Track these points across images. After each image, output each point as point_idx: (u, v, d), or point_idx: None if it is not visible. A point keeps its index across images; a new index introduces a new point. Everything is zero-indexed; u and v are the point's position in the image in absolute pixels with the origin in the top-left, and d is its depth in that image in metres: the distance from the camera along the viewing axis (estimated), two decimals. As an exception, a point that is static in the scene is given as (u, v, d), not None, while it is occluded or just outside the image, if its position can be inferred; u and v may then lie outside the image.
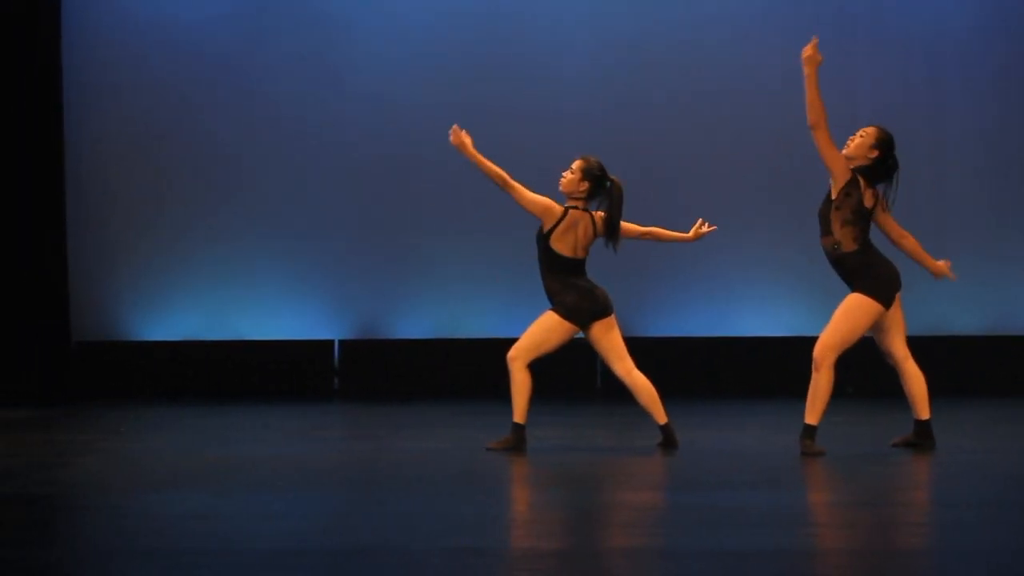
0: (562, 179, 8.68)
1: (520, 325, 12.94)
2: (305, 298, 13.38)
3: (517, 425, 8.57)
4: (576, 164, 8.68)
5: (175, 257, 13.34)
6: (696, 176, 13.17)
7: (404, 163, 13.24)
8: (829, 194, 8.22)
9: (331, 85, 13.35)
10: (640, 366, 8.66)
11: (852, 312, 8.16)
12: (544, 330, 8.61)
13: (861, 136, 8.25)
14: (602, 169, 8.66)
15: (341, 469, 8.14)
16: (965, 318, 13.11)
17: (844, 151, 8.20)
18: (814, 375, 8.16)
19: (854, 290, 8.21)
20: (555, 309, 8.61)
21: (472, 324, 13.27)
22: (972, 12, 13.33)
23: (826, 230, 8.23)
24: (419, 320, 13.32)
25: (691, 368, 12.99)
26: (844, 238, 8.14)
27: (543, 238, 8.61)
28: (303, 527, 6.12)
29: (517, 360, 8.58)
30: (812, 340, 8.27)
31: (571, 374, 12.93)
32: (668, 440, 8.62)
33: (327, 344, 13.37)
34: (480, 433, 9.20)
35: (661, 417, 8.62)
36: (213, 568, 5.13)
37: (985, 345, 13.11)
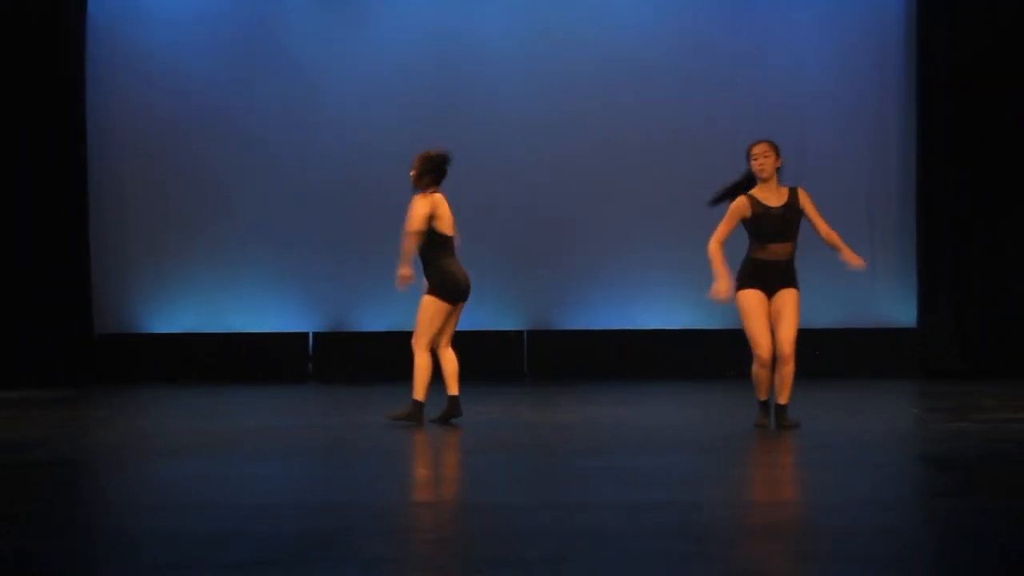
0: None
1: (468, 318, 13.16)
2: (284, 297, 13.41)
3: (416, 401, 8.46)
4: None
5: (179, 262, 13.35)
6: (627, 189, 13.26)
7: (369, 185, 13.27)
8: (794, 205, 7.99)
9: (305, 125, 13.35)
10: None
11: (799, 307, 7.96)
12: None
13: (765, 156, 7.98)
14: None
15: (314, 439, 8.15)
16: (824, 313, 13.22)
17: (762, 176, 7.96)
18: (789, 366, 7.89)
19: (791, 287, 7.97)
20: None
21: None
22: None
23: (789, 237, 7.99)
24: (382, 315, 13.37)
25: (601, 356, 13.10)
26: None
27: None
28: (283, 486, 6.19)
29: (416, 345, 8.52)
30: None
31: (502, 360, 13.08)
32: (452, 410, 8.53)
33: (303, 336, 13.40)
34: (433, 411, 9.24)
35: (453, 389, 8.53)
36: (211, 519, 5.19)
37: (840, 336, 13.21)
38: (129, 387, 12.45)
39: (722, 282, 7.94)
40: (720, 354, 12.76)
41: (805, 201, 8.08)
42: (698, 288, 13.00)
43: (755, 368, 8.01)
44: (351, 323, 13.41)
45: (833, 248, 8.14)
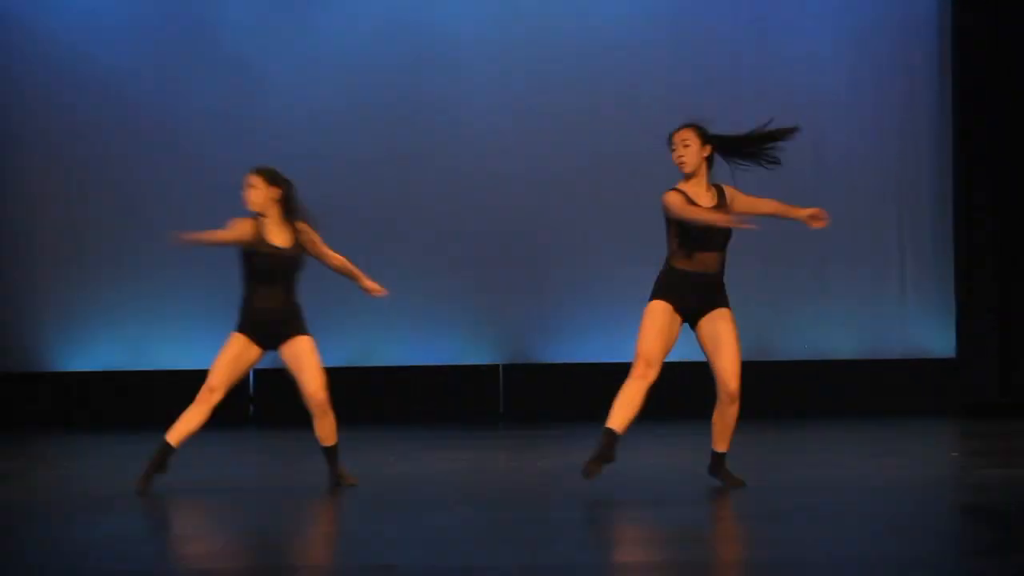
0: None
1: (431, 354, 13.18)
2: (218, 328, 13.39)
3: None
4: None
5: (97, 287, 13.34)
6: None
7: (313, 205, 13.27)
8: (723, 206, 7.46)
9: (244, 128, 13.38)
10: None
11: (736, 332, 7.51)
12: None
13: (685, 145, 7.52)
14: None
15: (255, 489, 8.17)
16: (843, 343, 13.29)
17: (684, 171, 7.44)
18: (734, 407, 7.49)
19: (723, 305, 7.49)
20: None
21: (380, 353, 13.35)
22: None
23: (721, 245, 7.49)
24: (333, 350, 13.37)
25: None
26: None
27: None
28: (215, 548, 6.17)
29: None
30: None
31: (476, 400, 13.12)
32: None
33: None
34: (393, 455, 9.25)
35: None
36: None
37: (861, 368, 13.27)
38: (34, 434, 12.40)
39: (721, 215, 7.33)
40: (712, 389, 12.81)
41: (736, 196, 7.56)
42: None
43: (629, 382, 7.36)
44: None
45: (785, 219, 7.73)
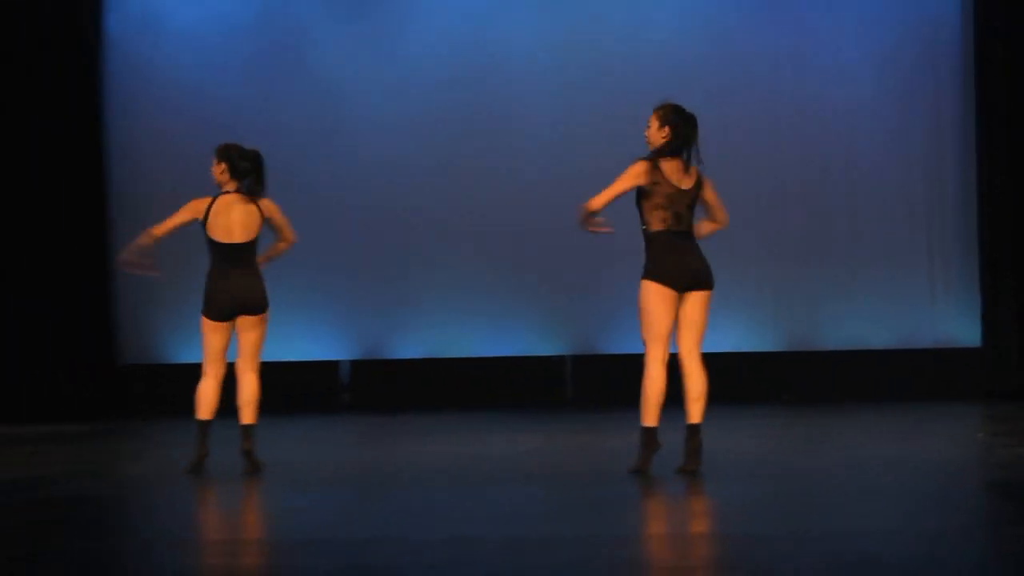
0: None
1: (500, 345, 13.19)
2: (316, 324, 13.48)
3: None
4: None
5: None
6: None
7: (401, 208, 13.36)
8: (699, 195, 7.29)
9: (330, 144, 13.45)
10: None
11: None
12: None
13: (647, 127, 7.41)
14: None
15: (350, 471, 8.20)
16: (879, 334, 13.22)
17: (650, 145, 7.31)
18: (703, 374, 7.31)
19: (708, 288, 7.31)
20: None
21: (458, 346, 13.38)
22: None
23: (691, 220, 7.30)
24: (416, 342, 13.43)
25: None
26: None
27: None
28: (320, 520, 6.23)
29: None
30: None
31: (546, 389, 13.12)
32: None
33: (335, 364, 13.46)
34: (468, 438, 9.27)
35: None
36: (246, 554, 5.24)
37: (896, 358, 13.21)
38: (155, 419, 12.53)
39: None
40: (774, 376, 12.80)
41: (707, 188, 7.37)
42: (752, 307, 13.16)
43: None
44: (386, 350, 13.47)
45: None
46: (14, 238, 12.90)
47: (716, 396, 12.65)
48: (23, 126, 12.91)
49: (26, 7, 12.98)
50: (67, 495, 7.19)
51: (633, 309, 7.45)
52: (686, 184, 7.32)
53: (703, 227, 7.51)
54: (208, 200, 8.15)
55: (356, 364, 13.46)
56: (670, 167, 7.32)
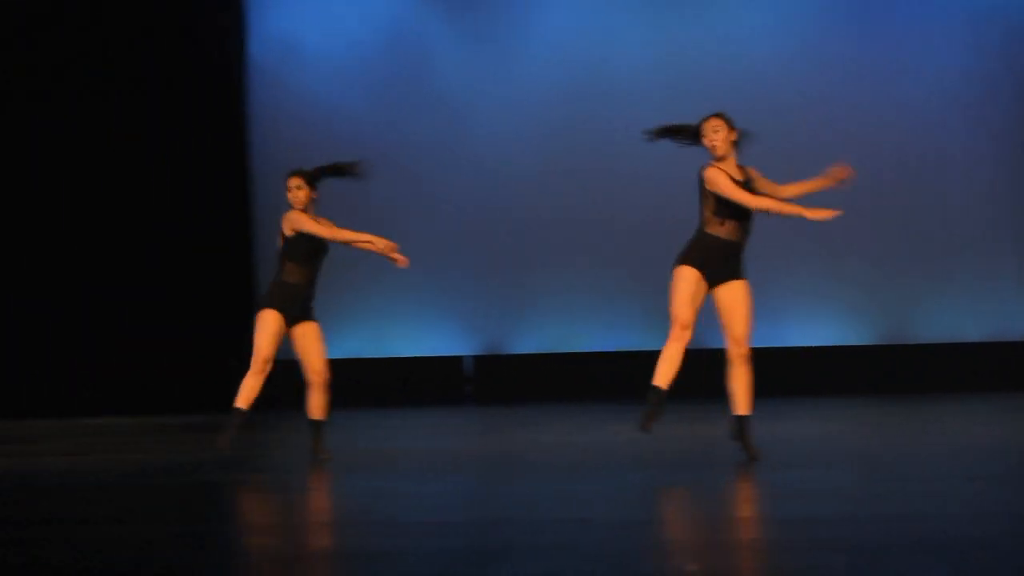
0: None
1: (618, 341, 13.13)
2: (441, 322, 13.52)
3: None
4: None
5: (342, 290, 13.55)
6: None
7: (519, 212, 13.37)
8: (748, 184, 7.08)
9: (455, 157, 13.50)
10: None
11: (750, 300, 7.15)
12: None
13: (715, 130, 7.12)
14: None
15: (474, 458, 8.20)
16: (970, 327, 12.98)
17: (716, 154, 7.09)
18: (744, 367, 7.09)
19: (741, 276, 7.12)
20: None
21: (574, 341, 13.34)
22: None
23: (750, 216, 7.07)
24: (536, 338, 13.43)
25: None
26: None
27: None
28: (448, 503, 6.22)
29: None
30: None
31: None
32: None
33: (458, 359, 13.49)
34: (584, 427, 9.24)
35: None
36: (380, 535, 5.24)
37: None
38: (298, 410, 12.63)
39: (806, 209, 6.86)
40: (869, 369, 12.59)
41: (758, 179, 7.17)
42: (846, 301, 12.97)
43: (669, 344, 7.11)
44: (507, 346, 13.47)
45: (811, 193, 7.20)
46: (171, 253, 13.10)
47: (811, 389, 12.58)
48: (173, 148, 13.10)
49: (176, 36, 13.16)
50: (217, 480, 7.24)
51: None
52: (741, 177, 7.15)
53: (796, 188, 7.25)
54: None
55: (478, 359, 13.48)
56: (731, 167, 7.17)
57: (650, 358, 13.89)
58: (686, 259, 7.10)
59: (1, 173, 13.15)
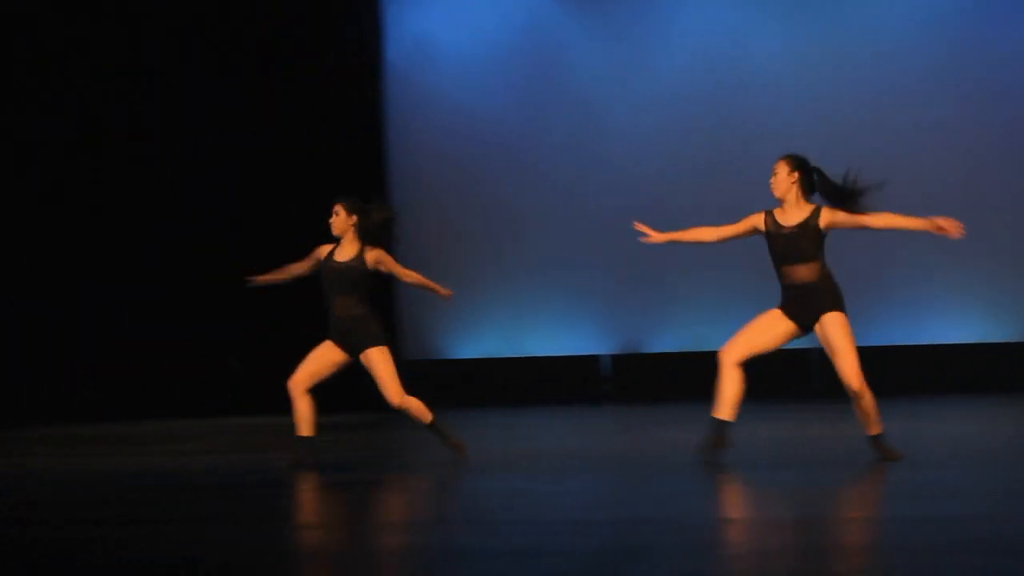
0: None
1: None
2: (578, 321, 13.53)
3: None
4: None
5: (477, 291, 13.63)
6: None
7: (656, 210, 13.30)
8: (812, 226, 7.04)
9: (591, 156, 13.50)
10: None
11: (849, 331, 6.98)
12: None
13: (774, 174, 7.19)
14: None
15: (613, 457, 8.19)
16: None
17: (776, 195, 7.17)
18: (863, 400, 6.94)
19: (828, 310, 6.98)
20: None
21: (711, 340, 13.25)
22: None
23: (805, 258, 7.04)
24: (674, 337, 13.36)
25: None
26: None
27: None
28: (586, 502, 6.22)
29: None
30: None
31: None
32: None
33: (595, 358, 13.48)
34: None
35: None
36: (519, 534, 5.24)
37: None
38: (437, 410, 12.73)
39: None
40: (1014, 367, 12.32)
41: (830, 215, 7.03)
42: (986, 298, 12.66)
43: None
44: (644, 345, 13.43)
45: (899, 230, 7.06)
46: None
47: (949, 386, 12.31)
48: (313, 149, 13.29)
49: (316, 39, 13.35)
50: (357, 479, 7.31)
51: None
52: None
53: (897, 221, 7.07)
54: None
55: (616, 358, 13.46)
56: None
57: (786, 356, 13.76)
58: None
59: (112, 174, 13.35)
